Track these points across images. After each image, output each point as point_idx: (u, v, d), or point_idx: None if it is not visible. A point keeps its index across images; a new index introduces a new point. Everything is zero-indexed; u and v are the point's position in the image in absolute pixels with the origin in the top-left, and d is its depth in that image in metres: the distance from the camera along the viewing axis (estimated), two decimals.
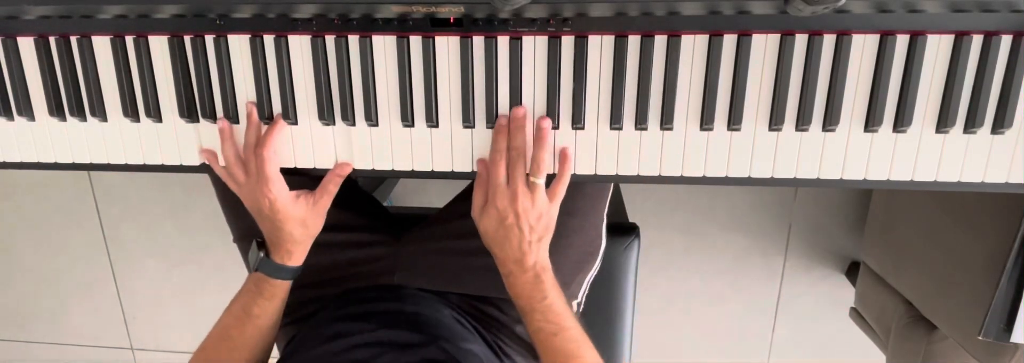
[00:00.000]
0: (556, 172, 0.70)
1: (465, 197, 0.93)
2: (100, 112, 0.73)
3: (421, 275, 0.85)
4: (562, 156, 0.69)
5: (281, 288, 0.75)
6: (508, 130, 0.68)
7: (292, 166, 0.74)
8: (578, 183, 0.76)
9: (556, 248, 0.84)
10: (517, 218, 0.68)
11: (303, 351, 0.75)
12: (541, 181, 0.68)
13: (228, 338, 0.75)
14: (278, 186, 0.70)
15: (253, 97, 0.71)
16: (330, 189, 0.73)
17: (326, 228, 0.78)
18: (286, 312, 0.88)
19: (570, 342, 0.69)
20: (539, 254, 0.71)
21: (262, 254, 0.74)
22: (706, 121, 0.66)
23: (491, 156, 0.69)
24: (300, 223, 0.72)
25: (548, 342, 0.70)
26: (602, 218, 0.88)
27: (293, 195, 0.71)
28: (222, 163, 0.73)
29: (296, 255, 0.74)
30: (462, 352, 0.74)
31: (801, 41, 0.63)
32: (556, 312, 0.70)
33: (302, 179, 0.73)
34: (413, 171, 0.72)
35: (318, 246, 0.76)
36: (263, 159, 0.69)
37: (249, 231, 0.87)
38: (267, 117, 0.71)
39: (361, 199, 0.95)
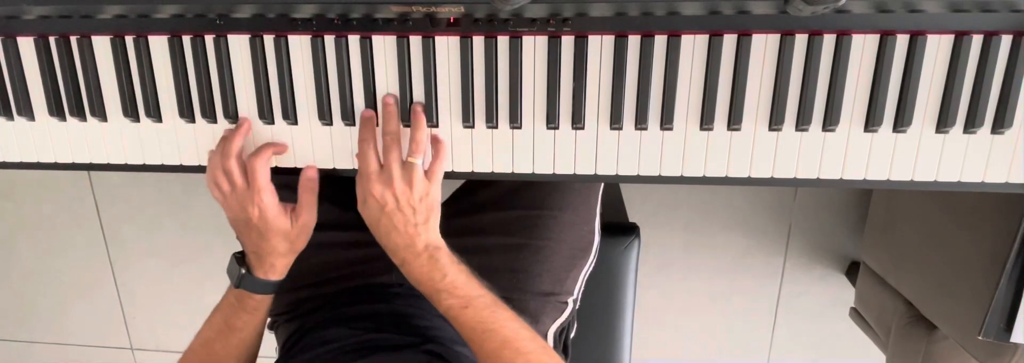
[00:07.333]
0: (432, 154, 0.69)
1: (458, 197, 0.93)
2: (100, 112, 0.73)
3: None
4: (435, 137, 0.69)
5: (264, 302, 0.73)
6: (380, 118, 0.68)
7: (292, 165, 0.73)
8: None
9: (547, 244, 0.84)
10: (397, 201, 0.66)
11: (293, 358, 0.74)
12: (419, 161, 0.67)
13: (211, 352, 0.73)
14: (269, 197, 0.68)
15: (253, 97, 0.71)
16: (306, 201, 0.71)
17: (328, 227, 0.77)
18: (286, 310, 0.88)
19: (483, 310, 0.66)
20: (429, 235, 0.68)
21: (243, 270, 0.72)
22: (706, 121, 0.66)
23: (359, 147, 0.68)
24: (285, 236, 0.71)
25: (461, 317, 0.66)
26: (595, 213, 0.87)
27: (281, 207, 0.70)
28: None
29: (280, 268, 0.72)
30: (453, 353, 0.73)
31: (801, 41, 0.63)
32: (459, 286, 0.67)
33: (288, 183, 0.73)
34: None
35: (319, 245, 0.75)
36: (255, 169, 0.68)
37: None
38: (268, 118, 0.71)
39: None
